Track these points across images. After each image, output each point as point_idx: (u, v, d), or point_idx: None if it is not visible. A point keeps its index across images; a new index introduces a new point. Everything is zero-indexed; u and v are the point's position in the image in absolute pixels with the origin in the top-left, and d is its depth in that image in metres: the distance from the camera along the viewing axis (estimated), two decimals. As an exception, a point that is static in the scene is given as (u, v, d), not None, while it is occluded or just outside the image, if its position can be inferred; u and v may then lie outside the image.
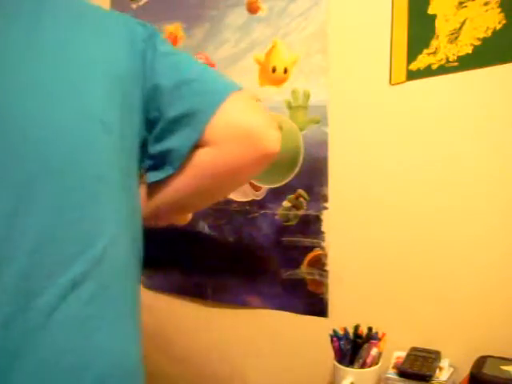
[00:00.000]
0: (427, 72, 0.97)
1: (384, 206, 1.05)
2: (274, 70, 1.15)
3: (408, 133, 1.02)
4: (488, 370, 0.83)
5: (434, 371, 0.91)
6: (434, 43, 0.96)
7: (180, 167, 0.70)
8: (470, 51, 0.93)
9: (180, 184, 0.72)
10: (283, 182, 1.16)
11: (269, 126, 0.71)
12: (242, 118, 0.70)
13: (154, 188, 0.74)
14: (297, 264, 1.16)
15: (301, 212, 1.14)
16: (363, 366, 0.96)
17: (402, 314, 1.05)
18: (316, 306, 1.15)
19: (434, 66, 0.97)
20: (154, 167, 0.73)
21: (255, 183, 1.20)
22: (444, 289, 1.00)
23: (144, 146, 0.72)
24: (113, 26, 0.69)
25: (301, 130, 1.12)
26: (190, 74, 0.71)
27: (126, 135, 0.66)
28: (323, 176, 1.11)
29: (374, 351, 0.96)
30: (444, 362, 0.95)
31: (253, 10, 1.17)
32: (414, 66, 0.99)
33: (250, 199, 1.22)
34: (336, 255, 1.12)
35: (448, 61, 0.95)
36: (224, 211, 1.26)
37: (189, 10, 1.28)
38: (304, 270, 1.15)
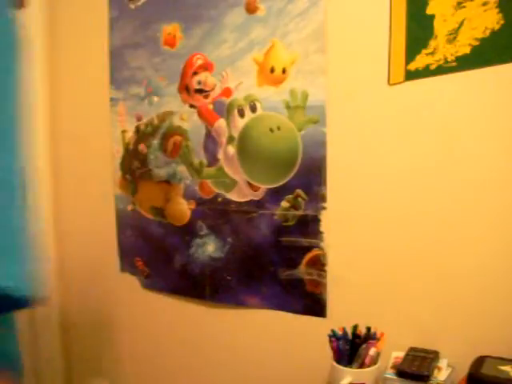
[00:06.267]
0: (425, 72, 0.97)
1: (382, 206, 1.05)
2: (272, 70, 1.15)
3: (406, 133, 1.02)
4: (486, 370, 0.83)
5: (433, 371, 0.91)
6: (432, 43, 0.96)
7: None
8: (469, 51, 0.93)
9: None
10: (281, 182, 1.16)
11: None
12: None
13: None
14: (295, 264, 1.16)
15: (299, 212, 1.14)
16: (362, 366, 0.96)
17: (400, 314, 1.05)
18: (314, 306, 1.15)
19: (433, 67, 0.97)
20: None
21: (254, 183, 1.20)
22: (442, 289, 1.00)
23: None
24: None
25: (299, 130, 1.12)
26: None
27: None
28: (321, 176, 1.11)
29: (372, 351, 0.96)
30: (442, 362, 0.95)
31: (251, 10, 1.17)
32: (412, 66, 0.99)
33: (248, 199, 1.22)
34: (334, 255, 1.12)
35: (446, 61, 0.95)
36: (222, 211, 1.26)
37: (187, 10, 1.28)
38: (302, 270, 1.15)
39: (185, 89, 1.31)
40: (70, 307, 1.70)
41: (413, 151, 1.01)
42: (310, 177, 1.12)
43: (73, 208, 1.65)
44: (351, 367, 0.96)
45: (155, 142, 1.38)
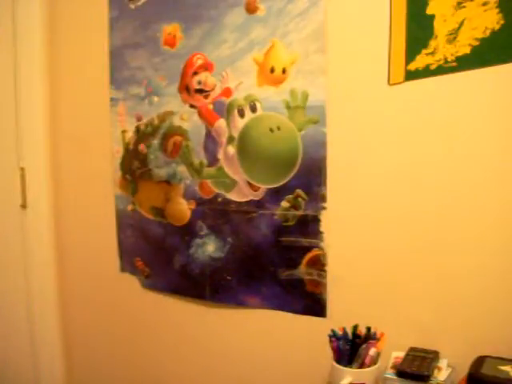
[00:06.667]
0: (425, 72, 0.97)
1: (382, 206, 1.05)
2: (272, 70, 1.15)
3: (406, 133, 1.02)
4: (486, 369, 0.83)
5: (433, 371, 0.91)
6: (432, 43, 0.96)
7: None
8: (469, 51, 0.93)
9: None
10: (282, 183, 1.16)
11: None
12: None
13: None
14: (295, 264, 1.16)
15: (299, 212, 1.14)
16: (362, 366, 0.96)
17: (400, 314, 1.05)
18: (315, 306, 1.15)
19: (433, 67, 0.97)
20: None
21: (254, 183, 1.20)
22: (442, 289, 1.00)
23: None
24: None
25: (299, 130, 1.12)
26: None
27: None
28: (321, 176, 1.11)
29: (372, 351, 0.96)
30: (442, 362, 0.95)
31: (251, 10, 1.17)
32: (412, 67, 0.99)
33: (248, 199, 1.22)
34: (335, 255, 1.12)
35: (446, 61, 0.95)
36: (222, 211, 1.26)
37: (187, 10, 1.28)
38: (303, 270, 1.15)
39: (185, 89, 1.31)
40: (69, 307, 1.70)
41: (413, 151, 1.01)
42: (310, 177, 1.12)
43: (73, 208, 1.65)
44: (351, 367, 0.96)
45: (155, 141, 1.38)
